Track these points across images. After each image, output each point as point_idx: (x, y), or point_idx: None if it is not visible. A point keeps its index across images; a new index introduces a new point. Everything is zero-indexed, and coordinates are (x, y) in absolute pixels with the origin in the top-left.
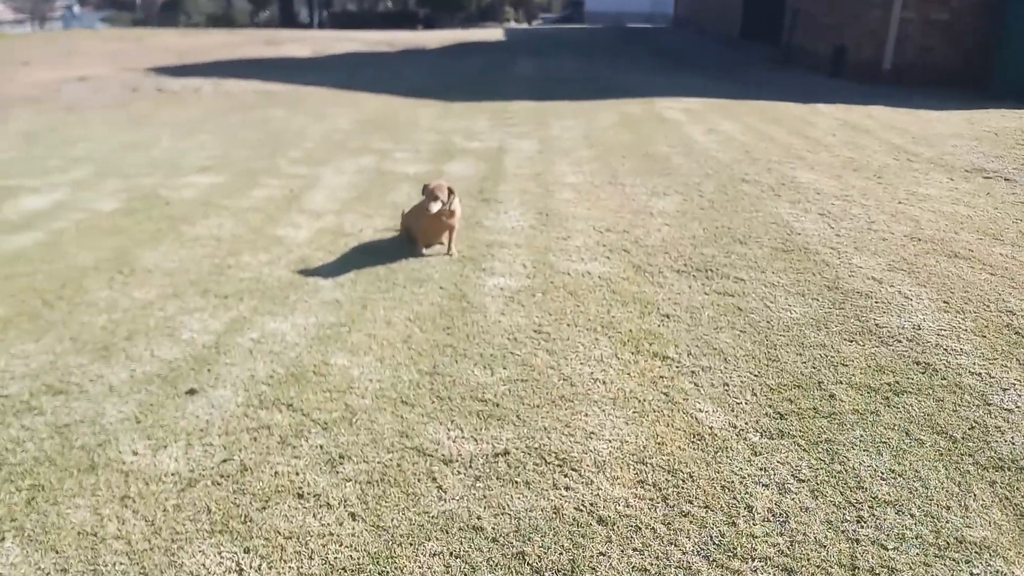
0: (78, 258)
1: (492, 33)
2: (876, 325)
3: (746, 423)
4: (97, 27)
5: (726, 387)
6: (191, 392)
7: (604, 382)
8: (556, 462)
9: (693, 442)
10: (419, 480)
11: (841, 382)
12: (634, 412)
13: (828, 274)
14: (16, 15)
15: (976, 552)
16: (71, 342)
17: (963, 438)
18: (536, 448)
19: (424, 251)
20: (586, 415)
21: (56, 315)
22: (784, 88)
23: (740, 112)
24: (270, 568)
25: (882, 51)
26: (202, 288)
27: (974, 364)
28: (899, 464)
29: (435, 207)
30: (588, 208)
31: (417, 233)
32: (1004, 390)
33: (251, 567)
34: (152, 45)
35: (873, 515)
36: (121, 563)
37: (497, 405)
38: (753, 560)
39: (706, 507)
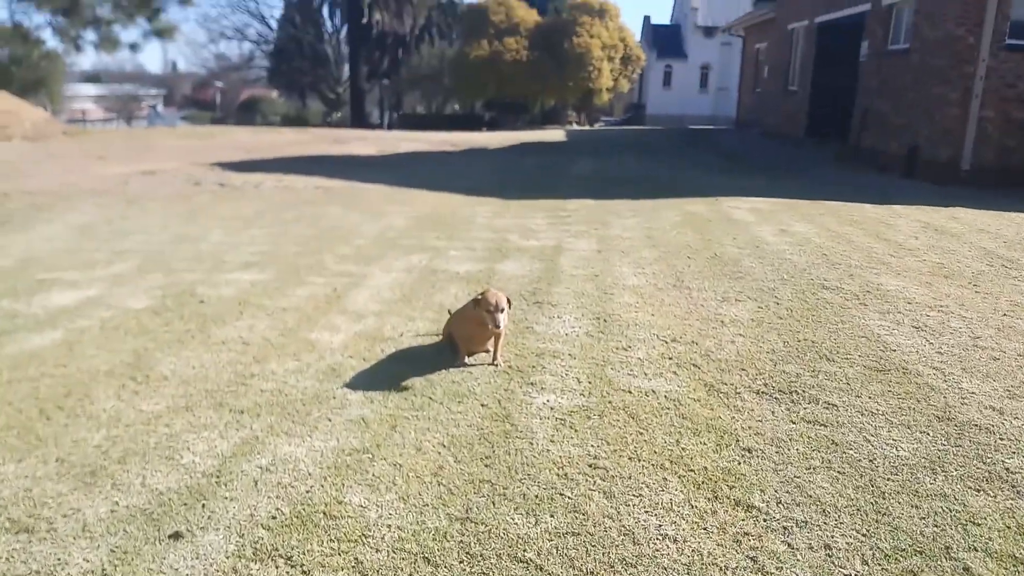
0: (93, 361)
1: (554, 134)
2: (1006, 469)
3: None
4: (178, 125)
5: (828, 552)
6: (175, 536)
7: (675, 539)
8: None
9: None
10: None
11: (976, 548)
12: None
13: (936, 401)
14: (106, 114)
15: None
16: (57, 464)
17: None
18: None
19: (467, 360)
20: None
21: (50, 429)
22: (856, 189)
23: (812, 213)
24: None
25: (959, 151)
26: (217, 400)
27: None
28: None
29: (502, 321)
30: (651, 314)
31: (461, 341)
32: None
33: None
34: (223, 142)
35: None
36: None
37: (541, 569)
38: None
39: None
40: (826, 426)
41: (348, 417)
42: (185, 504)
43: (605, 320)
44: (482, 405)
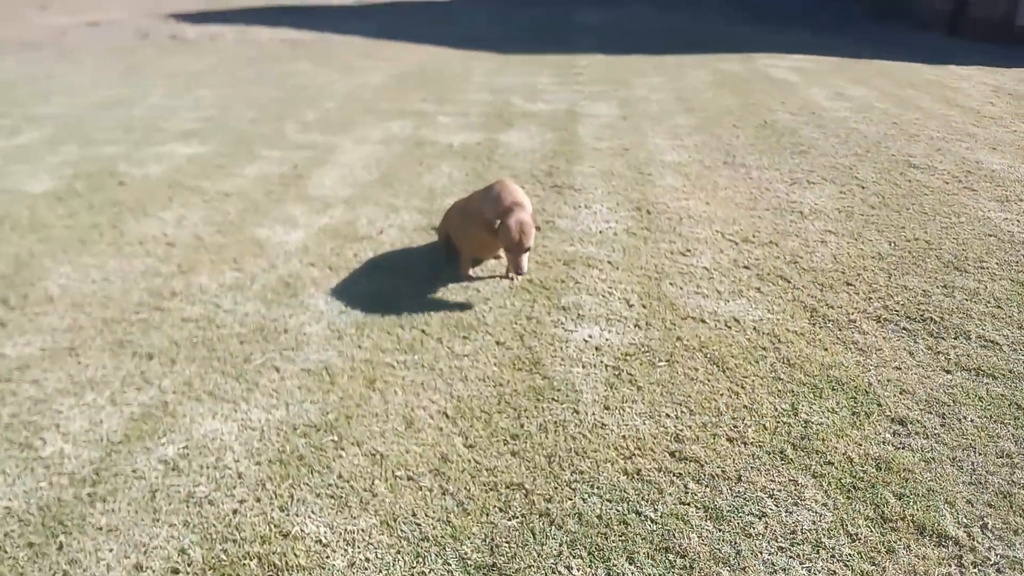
0: None
1: None
2: None
3: None
4: None
5: None
6: None
7: None
8: None
9: None
10: None
11: None
12: None
13: None
14: None
15: None
16: None
17: None
18: None
19: (470, 272)
20: None
21: None
22: (901, 47)
23: (862, 73)
24: None
25: (1015, 6)
26: (117, 337)
27: None
28: None
29: (525, 265)
30: (705, 202)
31: (464, 246)
32: None
33: None
34: None
35: None
36: None
37: None
38: None
39: None
40: (995, 377)
41: (304, 366)
42: (30, 544)
43: (648, 211)
44: (498, 343)
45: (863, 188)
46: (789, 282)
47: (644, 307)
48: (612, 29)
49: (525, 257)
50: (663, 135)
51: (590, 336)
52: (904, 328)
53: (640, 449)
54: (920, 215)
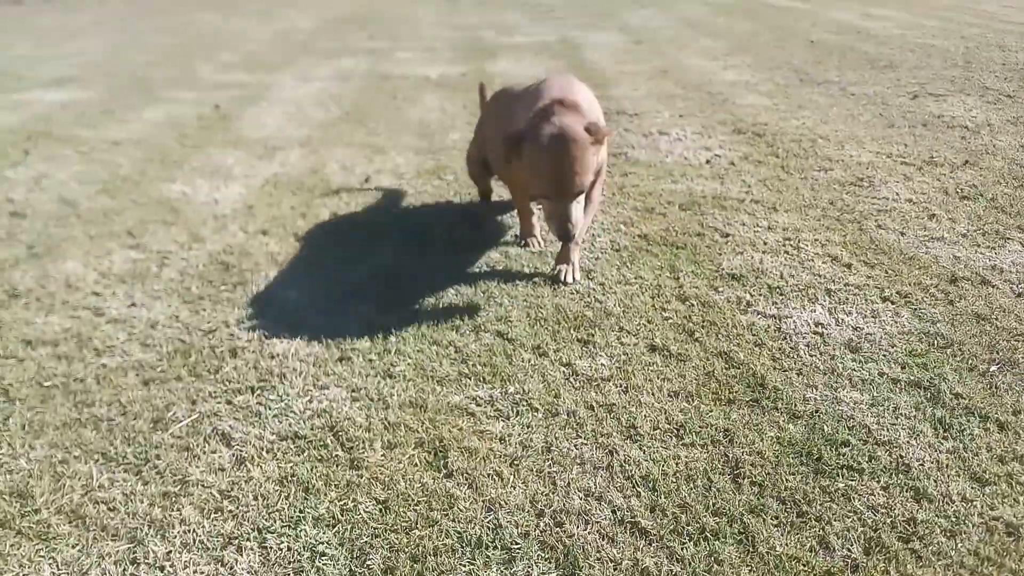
0: None
1: None
2: None
3: None
4: None
5: None
6: None
7: None
8: None
9: None
10: None
11: None
12: None
13: None
14: None
15: None
16: None
17: None
18: None
19: (537, 235)
20: None
21: None
22: None
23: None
24: None
25: None
26: None
27: None
28: None
29: (575, 227)
30: (822, 120)
31: (507, 182)
32: None
33: None
34: None
35: None
36: None
37: None
38: None
39: None
40: None
41: (284, 433)
42: None
43: (759, 134)
44: (653, 348)
45: (1011, 98)
46: None
47: (871, 266)
48: None
49: (576, 209)
50: (699, 56)
51: (820, 325)
52: None
53: None
54: None
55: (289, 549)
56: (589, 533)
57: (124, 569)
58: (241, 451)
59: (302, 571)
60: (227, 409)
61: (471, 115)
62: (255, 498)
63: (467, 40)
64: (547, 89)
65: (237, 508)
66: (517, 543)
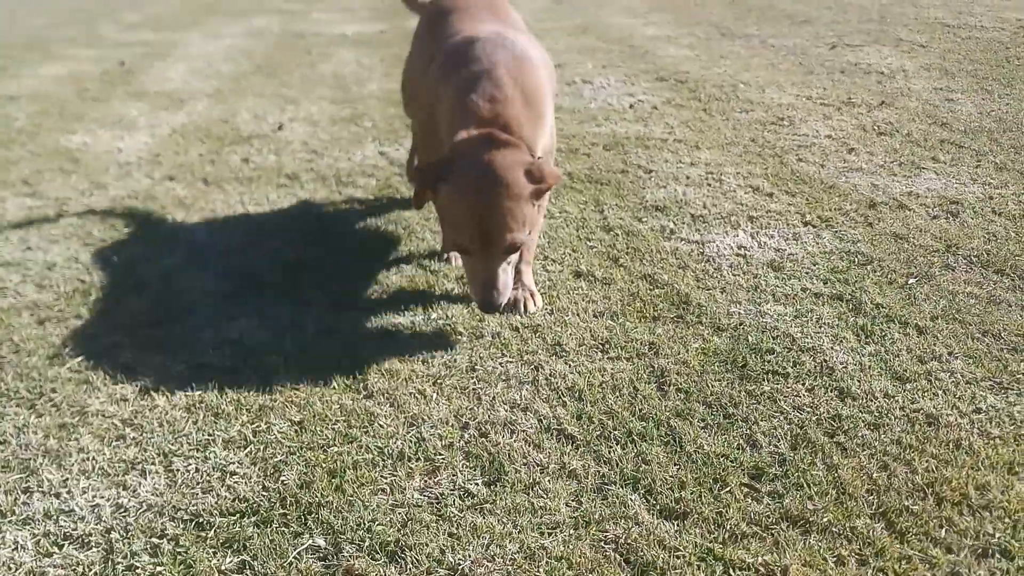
0: None
1: None
2: None
3: None
4: None
5: None
6: None
7: None
8: None
9: None
10: None
11: None
12: None
13: None
14: None
15: None
16: None
17: None
18: None
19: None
20: None
21: None
22: None
23: None
24: None
25: None
26: None
27: None
28: None
29: (498, 292)
30: (744, 68)
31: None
32: None
33: None
34: None
35: None
36: None
37: None
38: None
39: None
40: None
41: (193, 401)
42: None
43: (681, 81)
44: (593, 277)
45: (924, 47)
46: (963, 147)
47: (792, 195)
48: None
49: (505, 272)
50: (620, 15)
51: (742, 248)
52: None
53: None
54: None
55: (197, 471)
56: (515, 441)
57: (16, 498)
58: (145, 381)
59: (211, 490)
60: (130, 341)
61: (392, 67)
62: (160, 424)
63: (385, 1)
64: (485, 68)
65: (141, 435)
66: (441, 454)
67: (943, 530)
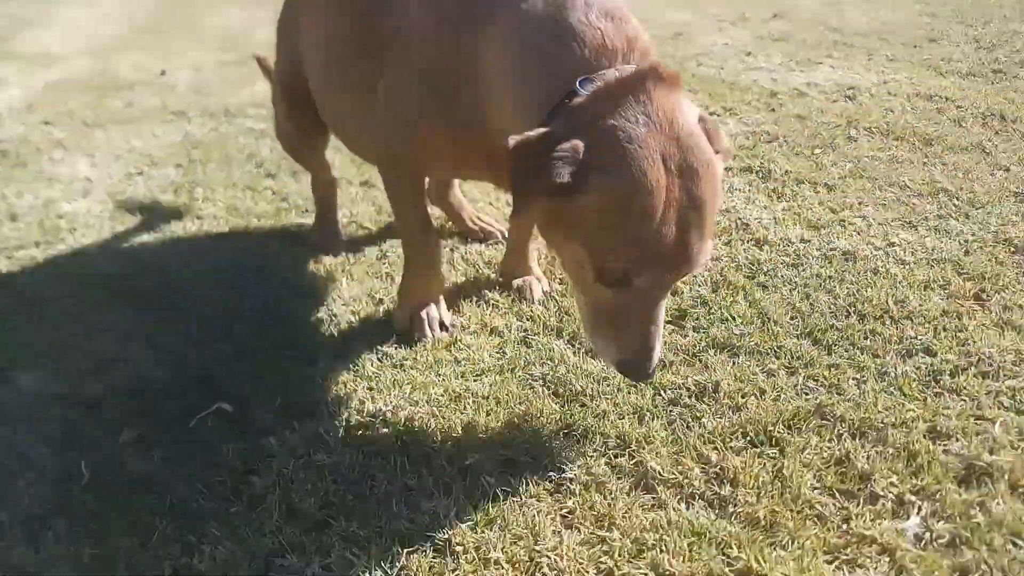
0: None
1: None
2: None
3: None
4: None
5: None
6: None
7: None
8: None
9: None
10: None
11: None
12: None
13: None
14: None
15: None
16: None
17: None
18: None
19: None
20: None
21: None
22: None
23: None
24: None
25: None
26: None
27: None
28: None
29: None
30: None
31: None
32: None
33: None
34: None
35: None
36: None
37: None
38: None
39: None
40: None
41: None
42: None
43: None
44: None
45: None
46: (855, 47)
47: (694, 92)
48: None
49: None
50: None
51: None
52: None
53: None
54: None
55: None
56: (431, 310)
57: None
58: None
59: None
60: (6, 264)
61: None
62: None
63: None
64: None
65: None
66: (355, 325)
67: (868, 340)
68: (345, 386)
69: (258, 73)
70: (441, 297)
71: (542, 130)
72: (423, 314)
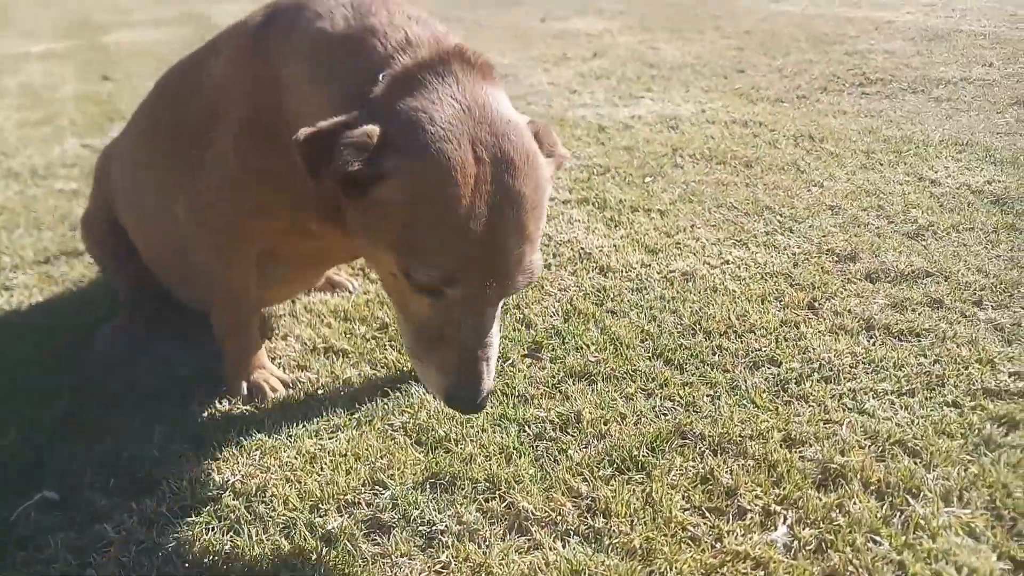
0: None
1: None
2: None
3: None
4: None
5: None
6: None
7: None
8: None
9: None
10: None
11: None
12: None
13: None
14: None
15: None
16: None
17: None
18: None
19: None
20: None
21: None
22: None
23: None
24: None
25: None
26: None
27: None
28: None
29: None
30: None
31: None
32: None
33: None
34: None
35: None
36: None
37: None
38: None
39: None
40: None
41: None
42: None
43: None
44: None
45: (623, 13)
46: (671, 80)
47: None
48: None
49: (496, 328)
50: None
51: None
52: None
53: None
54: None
55: None
56: (276, 364)
57: None
58: None
59: None
60: None
61: (88, 70)
62: None
63: (74, 22)
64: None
65: None
66: (213, 381)
67: (716, 355)
68: (187, 457)
69: (65, 133)
70: (266, 358)
71: (335, 119)
72: (259, 380)
